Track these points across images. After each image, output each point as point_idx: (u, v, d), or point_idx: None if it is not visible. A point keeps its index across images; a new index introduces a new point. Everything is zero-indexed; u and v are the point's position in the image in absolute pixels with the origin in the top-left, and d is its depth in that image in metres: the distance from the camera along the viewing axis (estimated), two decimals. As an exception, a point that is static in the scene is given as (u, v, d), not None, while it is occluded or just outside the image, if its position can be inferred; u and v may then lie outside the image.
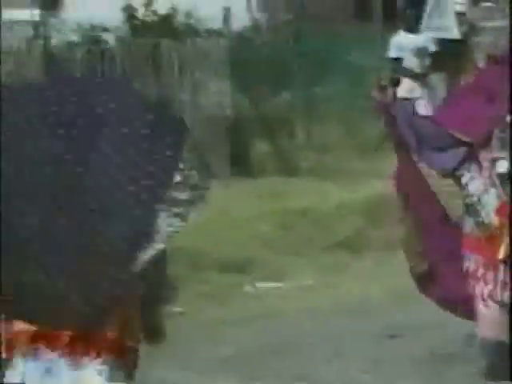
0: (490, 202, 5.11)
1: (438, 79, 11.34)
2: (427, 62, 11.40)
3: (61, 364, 3.58)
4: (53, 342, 3.58)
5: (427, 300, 6.11)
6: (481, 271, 5.29)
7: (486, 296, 5.31)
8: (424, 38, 11.57)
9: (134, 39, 12.88)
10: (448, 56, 11.30)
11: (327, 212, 10.40)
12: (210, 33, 13.17)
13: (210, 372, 6.16)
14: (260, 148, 12.09)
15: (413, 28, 11.85)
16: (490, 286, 5.29)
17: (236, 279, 8.33)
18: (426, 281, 5.81)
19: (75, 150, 3.54)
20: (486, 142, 5.14)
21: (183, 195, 3.62)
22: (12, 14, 13.62)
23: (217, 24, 12.98)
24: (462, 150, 5.24)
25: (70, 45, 12.25)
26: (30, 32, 12.54)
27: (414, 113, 5.72)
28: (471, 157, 5.28)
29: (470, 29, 11.63)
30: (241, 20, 14.23)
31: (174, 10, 13.72)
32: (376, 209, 10.06)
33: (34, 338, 3.54)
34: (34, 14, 14.00)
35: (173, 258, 7.63)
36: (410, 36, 11.99)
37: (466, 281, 5.45)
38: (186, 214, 3.63)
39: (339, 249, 9.78)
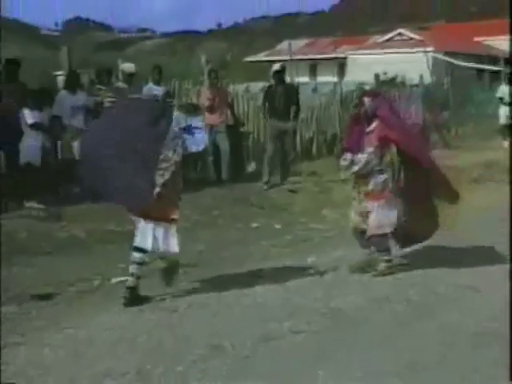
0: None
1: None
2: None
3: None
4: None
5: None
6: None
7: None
8: None
9: (377, 88, 18.58)
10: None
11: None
12: (412, 86, 19.48)
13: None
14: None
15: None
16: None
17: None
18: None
19: None
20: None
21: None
22: (323, 79, 23.71)
23: (416, 81, 19.15)
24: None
25: (350, 92, 17.03)
26: (332, 87, 17.67)
27: None
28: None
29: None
30: (427, 79, 20.72)
31: (396, 75, 22.03)
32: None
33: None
34: (334, 79, 22.93)
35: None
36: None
37: None
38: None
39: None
